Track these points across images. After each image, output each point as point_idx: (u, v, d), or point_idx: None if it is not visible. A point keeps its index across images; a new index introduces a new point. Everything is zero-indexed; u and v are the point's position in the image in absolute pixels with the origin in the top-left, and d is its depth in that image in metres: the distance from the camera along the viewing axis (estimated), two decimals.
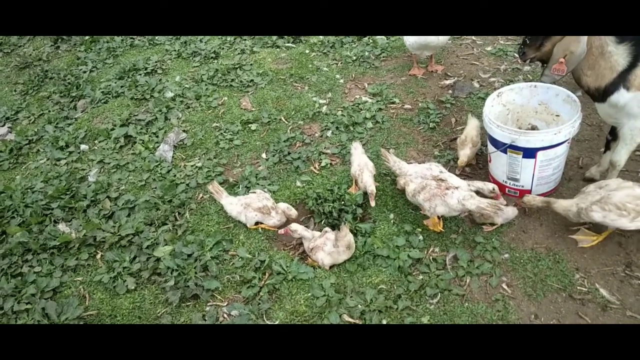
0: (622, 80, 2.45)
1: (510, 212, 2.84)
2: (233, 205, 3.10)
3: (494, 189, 2.84)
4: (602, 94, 2.55)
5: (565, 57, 2.56)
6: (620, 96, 2.47)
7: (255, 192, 3.15)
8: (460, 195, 2.67)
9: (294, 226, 2.86)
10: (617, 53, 2.43)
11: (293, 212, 3.07)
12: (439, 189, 2.73)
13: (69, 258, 3.06)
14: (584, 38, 2.46)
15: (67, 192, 3.51)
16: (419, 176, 2.91)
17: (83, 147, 4.05)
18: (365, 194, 3.11)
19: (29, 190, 3.61)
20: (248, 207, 3.05)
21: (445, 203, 2.69)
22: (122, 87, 4.66)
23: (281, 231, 2.93)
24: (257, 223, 3.10)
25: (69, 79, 4.96)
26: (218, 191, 3.15)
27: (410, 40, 4.02)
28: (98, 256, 3.06)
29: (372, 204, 2.98)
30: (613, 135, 2.88)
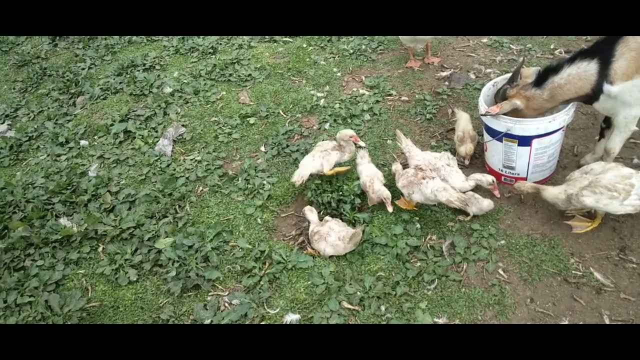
0: (603, 78, 2.56)
1: (486, 204, 2.85)
2: (312, 162, 3.15)
3: (492, 181, 2.90)
4: (592, 97, 2.66)
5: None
6: (609, 91, 2.56)
7: (319, 144, 3.25)
8: (435, 186, 2.76)
9: (308, 208, 3.02)
10: (577, 68, 2.60)
11: (349, 132, 3.15)
12: (415, 177, 2.83)
13: (70, 251, 3.09)
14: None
15: (68, 187, 3.54)
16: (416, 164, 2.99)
17: (83, 142, 4.08)
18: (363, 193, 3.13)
19: (29, 185, 3.64)
20: (326, 151, 3.16)
21: (421, 191, 2.79)
22: (120, 83, 4.69)
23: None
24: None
25: (67, 76, 4.98)
26: (301, 176, 3.13)
27: None
28: (100, 249, 3.10)
29: (390, 209, 2.87)
30: (607, 123, 2.92)
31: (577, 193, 2.55)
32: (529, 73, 2.89)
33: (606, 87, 2.56)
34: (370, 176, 3.03)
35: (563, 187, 2.65)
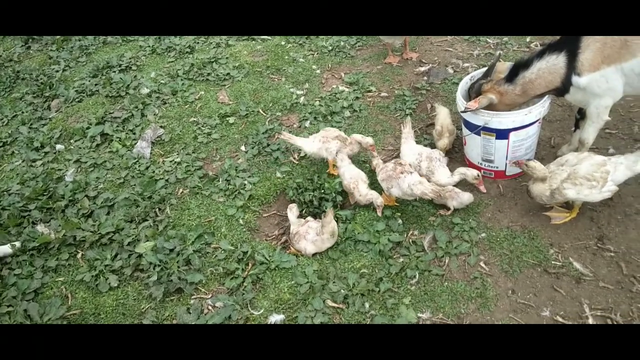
0: (571, 71, 2.61)
1: (466, 197, 2.89)
2: (310, 143, 3.20)
3: (477, 175, 2.90)
4: (562, 90, 2.72)
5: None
6: (578, 83, 2.62)
7: (324, 130, 3.28)
8: (411, 180, 2.79)
9: (292, 205, 3.04)
10: (546, 62, 2.65)
11: (369, 140, 3.15)
12: (394, 172, 2.85)
13: (49, 259, 3.03)
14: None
15: (44, 193, 3.47)
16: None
17: (59, 147, 4.00)
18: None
19: (5, 192, 3.56)
20: (327, 139, 3.17)
21: (399, 186, 2.82)
22: (96, 85, 4.61)
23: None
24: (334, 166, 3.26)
25: (41, 79, 4.88)
26: (290, 137, 3.26)
27: None
28: (79, 255, 3.04)
29: (379, 214, 2.91)
30: (582, 114, 2.97)
31: (559, 186, 2.58)
32: (504, 68, 2.91)
33: (574, 79, 2.61)
34: (354, 178, 3.02)
35: (547, 184, 2.65)
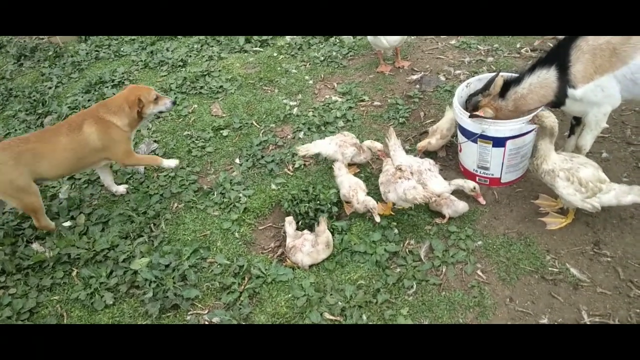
0: (565, 84, 2.62)
1: (461, 206, 2.88)
2: (327, 145, 3.24)
3: (474, 188, 2.91)
4: (558, 102, 2.73)
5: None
6: (574, 95, 2.63)
7: (342, 134, 3.32)
8: (407, 186, 2.79)
9: (290, 219, 2.98)
10: (537, 77, 2.66)
11: (378, 145, 3.22)
12: (393, 177, 2.86)
13: (44, 277, 3.00)
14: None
15: None
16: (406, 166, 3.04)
17: None
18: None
19: None
20: (345, 143, 3.19)
21: (395, 190, 2.82)
22: (89, 100, 4.60)
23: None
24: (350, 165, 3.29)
25: (34, 96, 4.87)
26: (307, 149, 3.28)
27: (368, 37, 4.15)
28: (74, 273, 3.01)
29: (377, 219, 2.84)
30: (577, 120, 2.98)
31: (556, 171, 2.56)
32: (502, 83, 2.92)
33: (570, 91, 2.61)
34: (352, 186, 3.01)
35: (559, 159, 2.60)
